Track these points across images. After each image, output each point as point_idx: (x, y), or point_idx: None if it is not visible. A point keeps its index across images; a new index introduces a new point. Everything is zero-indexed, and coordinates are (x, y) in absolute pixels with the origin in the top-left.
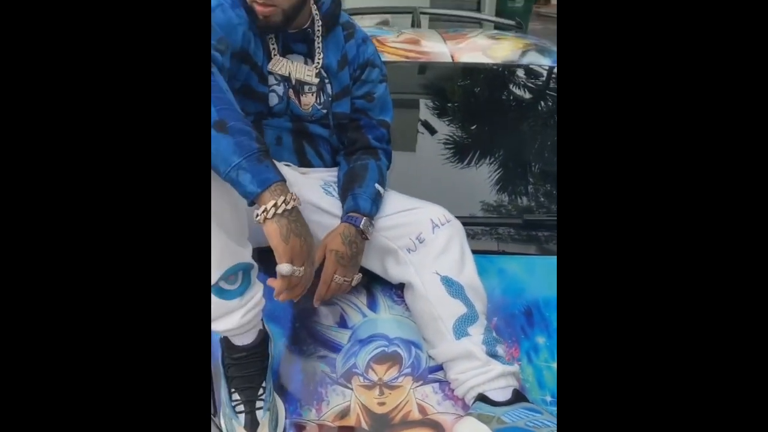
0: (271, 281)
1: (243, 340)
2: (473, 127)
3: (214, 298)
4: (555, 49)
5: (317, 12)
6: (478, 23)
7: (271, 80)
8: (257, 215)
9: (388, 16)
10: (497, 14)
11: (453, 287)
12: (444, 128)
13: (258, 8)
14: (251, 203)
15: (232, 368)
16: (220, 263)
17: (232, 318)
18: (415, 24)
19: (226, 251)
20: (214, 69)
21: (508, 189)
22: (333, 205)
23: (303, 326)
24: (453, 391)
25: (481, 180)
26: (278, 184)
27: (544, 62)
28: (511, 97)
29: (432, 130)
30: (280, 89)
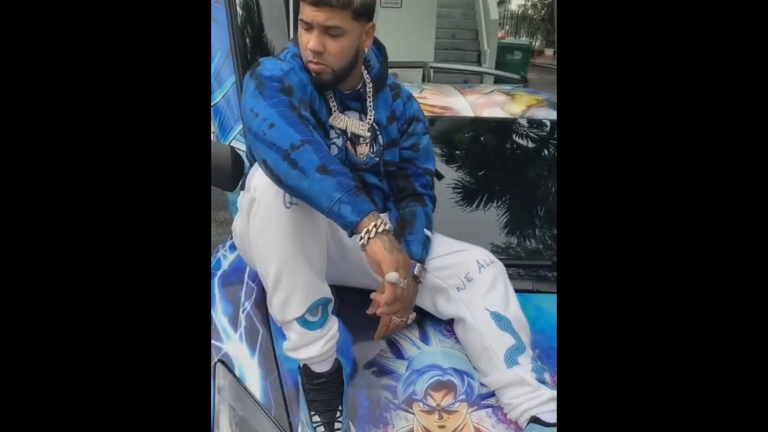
0: (375, 295)
1: (322, 367)
2: (480, 173)
3: (299, 329)
4: None
5: (368, 76)
6: (480, 76)
7: (332, 134)
8: (361, 239)
9: (396, 69)
10: (497, 67)
11: (502, 321)
12: (452, 174)
13: (312, 66)
14: (351, 233)
15: (312, 393)
16: (306, 297)
17: (314, 347)
18: (426, 78)
19: (312, 286)
20: (309, 126)
21: (516, 232)
22: None
23: (364, 358)
24: (506, 415)
25: (489, 223)
26: (374, 212)
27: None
28: (515, 146)
29: (439, 176)
30: (339, 141)
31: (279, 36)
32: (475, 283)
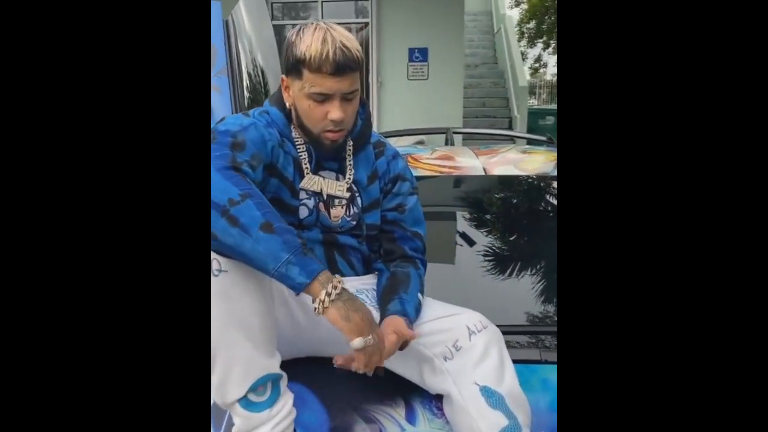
0: (338, 360)
1: None
2: (512, 238)
3: (243, 412)
4: None
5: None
6: (511, 140)
7: (302, 195)
8: (315, 308)
9: (423, 136)
10: (529, 131)
11: (493, 398)
12: (482, 239)
13: (331, 135)
14: (298, 294)
15: None
16: (247, 375)
17: (261, 431)
18: (449, 142)
19: (253, 363)
20: (248, 180)
21: (553, 300)
22: None
23: None
24: None
25: (524, 291)
26: (324, 272)
27: None
28: (549, 207)
29: (471, 242)
30: (310, 203)
31: None
32: (465, 353)
